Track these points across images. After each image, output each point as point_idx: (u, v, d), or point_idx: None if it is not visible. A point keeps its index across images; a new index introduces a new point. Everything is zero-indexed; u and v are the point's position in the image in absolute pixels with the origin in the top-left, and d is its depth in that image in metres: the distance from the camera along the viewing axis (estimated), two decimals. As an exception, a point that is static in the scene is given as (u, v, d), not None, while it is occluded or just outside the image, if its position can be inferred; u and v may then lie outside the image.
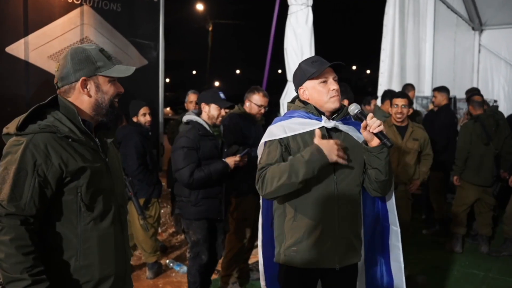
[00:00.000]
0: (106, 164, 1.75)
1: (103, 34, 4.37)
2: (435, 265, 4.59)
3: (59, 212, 1.63)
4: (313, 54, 4.92)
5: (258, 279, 2.55)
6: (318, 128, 2.11)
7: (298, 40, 4.93)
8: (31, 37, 3.82)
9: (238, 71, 42.14)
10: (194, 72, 39.47)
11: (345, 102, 5.17)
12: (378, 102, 6.07)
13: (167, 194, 6.11)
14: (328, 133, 2.15)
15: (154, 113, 4.50)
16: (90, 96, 1.71)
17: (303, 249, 2.13)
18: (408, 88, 5.81)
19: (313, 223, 2.11)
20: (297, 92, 2.27)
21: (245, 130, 3.69)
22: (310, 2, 4.95)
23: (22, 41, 3.76)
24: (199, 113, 3.32)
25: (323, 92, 2.13)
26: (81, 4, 4.16)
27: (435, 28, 7.65)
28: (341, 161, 2.06)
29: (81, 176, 1.63)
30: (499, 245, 4.99)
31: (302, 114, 2.18)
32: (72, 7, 4.11)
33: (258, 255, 2.43)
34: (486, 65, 9.73)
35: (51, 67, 3.84)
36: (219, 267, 3.84)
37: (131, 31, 4.65)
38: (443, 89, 5.67)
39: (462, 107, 7.08)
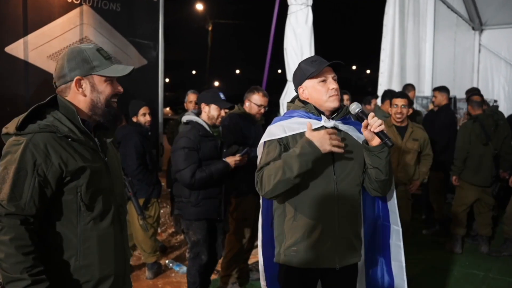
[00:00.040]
0: (106, 164, 1.75)
1: (102, 34, 4.37)
2: (435, 265, 4.59)
3: (59, 212, 1.63)
4: (313, 54, 4.92)
5: (258, 279, 2.55)
6: (318, 127, 2.10)
7: (298, 40, 4.94)
8: (31, 37, 3.82)
9: (237, 71, 42.17)
10: (193, 72, 39.53)
11: (345, 97, 5.19)
12: (379, 101, 6.07)
13: (166, 194, 6.10)
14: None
15: (153, 113, 4.50)
16: (85, 95, 1.70)
17: (303, 249, 2.12)
18: (408, 88, 5.81)
19: (313, 223, 2.11)
20: (296, 92, 2.27)
21: (245, 130, 3.68)
22: (310, 2, 4.95)
23: (21, 41, 3.76)
24: (198, 113, 3.31)
25: (322, 91, 2.13)
26: (80, 4, 4.16)
27: (435, 28, 7.65)
28: (336, 149, 2.02)
29: (81, 175, 1.63)
30: (499, 245, 4.99)
31: (302, 113, 2.17)
32: (72, 7, 4.11)
33: (258, 255, 2.42)
34: (486, 65, 9.74)
35: (51, 67, 3.84)
36: (218, 267, 3.84)
37: (131, 31, 4.65)
38: (443, 89, 5.66)
39: (462, 107, 7.07)
